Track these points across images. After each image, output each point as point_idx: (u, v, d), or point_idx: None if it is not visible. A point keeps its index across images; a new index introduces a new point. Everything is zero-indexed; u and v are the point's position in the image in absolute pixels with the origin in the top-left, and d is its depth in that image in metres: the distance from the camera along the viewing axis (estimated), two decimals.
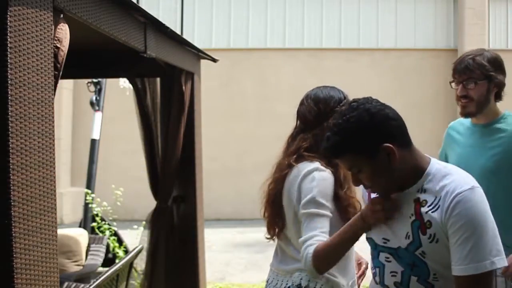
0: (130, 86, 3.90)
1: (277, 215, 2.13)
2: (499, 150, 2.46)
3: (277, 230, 2.16)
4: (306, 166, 2.03)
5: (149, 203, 3.91)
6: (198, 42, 9.15)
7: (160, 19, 2.91)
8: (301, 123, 2.14)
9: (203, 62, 4.09)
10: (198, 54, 3.89)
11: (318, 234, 1.90)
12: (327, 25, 11.47)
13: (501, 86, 2.49)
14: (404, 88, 11.32)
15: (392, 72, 11.30)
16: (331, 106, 2.08)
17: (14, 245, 1.52)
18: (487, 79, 2.43)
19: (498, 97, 2.54)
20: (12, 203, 1.52)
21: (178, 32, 6.78)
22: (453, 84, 2.52)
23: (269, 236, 2.21)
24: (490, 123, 2.55)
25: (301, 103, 2.16)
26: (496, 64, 2.46)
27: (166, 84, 3.75)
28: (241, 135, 10.81)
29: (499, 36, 11.82)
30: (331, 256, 1.86)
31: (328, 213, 1.97)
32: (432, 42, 11.60)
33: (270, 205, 2.17)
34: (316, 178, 1.99)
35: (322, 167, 2.02)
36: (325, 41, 11.40)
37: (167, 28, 3.05)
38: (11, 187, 1.52)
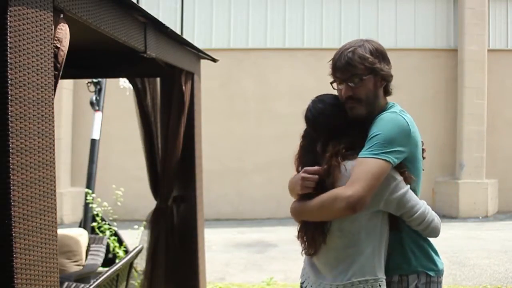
0: (130, 86, 3.90)
1: (319, 229, 2.12)
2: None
3: (318, 245, 2.13)
4: (352, 163, 2.05)
5: (149, 203, 3.91)
6: (198, 42, 9.16)
7: (160, 19, 2.91)
8: (322, 133, 2.16)
9: (203, 62, 4.09)
10: (198, 54, 3.89)
11: (424, 203, 2.12)
12: (326, 25, 11.47)
13: (388, 78, 2.18)
14: (404, 88, 11.31)
15: (392, 72, 11.29)
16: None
17: (14, 245, 1.52)
18: (372, 73, 2.11)
19: (387, 92, 2.21)
20: (12, 203, 1.52)
21: (178, 32, 6.77)
22: (334, 84, 2.22)
23: (312, 252, 2.17)
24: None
25: (318, 116, 2.17)
26: (380, 54, 2.14)
27: (166, 84, 3.74)
28: (241, 135, 10.81)
29: (499, 36, 11.82)
30: None
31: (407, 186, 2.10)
32: (432, 42, 11.60)
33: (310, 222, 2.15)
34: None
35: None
36: (325, 41, 11.40)
37: (167, 28, 3.05)
38: (11, 187, 1.52)
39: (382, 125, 2.01)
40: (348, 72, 2.11)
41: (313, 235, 2.14)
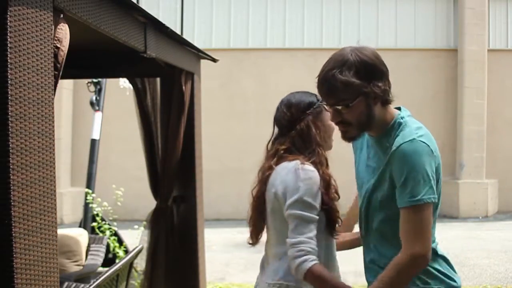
0: (130, 86, 3.90)
1: (262, 219, 2.17)
2: (378, 171, 1.98)
3: (260, 236, 2.20)
4: (287, 165, 2.06)
5: (149, 203, 3.91)
6: (198, 42, 9.15)
7: (160, 19, 2.91)
8: (278, 128, 2.20)
9: (203, 62, 4.09)
10: (198, 54, 3.89)
11: (306, 241, 1.95)
12: (326, 25, 11.46)
13: (384, 93, 1.92)
14: (404, 88, 11.30)
15: (392, 72, 11.16)
16: (301, 110, 2.13)
17: (14, 245, 1.52)
18: (362, 96, 1.86)
19: (386, 102, 1.96)
20: (12, 203, 1.52)
21: (178, 32, 6.78)
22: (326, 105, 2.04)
23: (251, 242, 2.23)
24: (380, 135, 2.00)
25: (276, 110, 2.21)
26: (369, 70, 1.87)
27: (166, 84, 3.74)
28: (241, 135, 10.80)
29: (499, 36, 11.82)
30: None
31: (314, 215, 1.98)
32: (432, 42, 11.60)
33: (254, 210, 2.18)
34: (301, 175, 2.00)
35: (305, 162, 2.04)
36: (325, 41, 11.40)
37: (167, 28, 3.05)
38: (11, 187, 1.52)
39: (409, 163, 1.83)
40: (331, 99, 1.90)
41: (255, 223, 2.19)
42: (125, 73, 4.09)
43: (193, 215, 3.86)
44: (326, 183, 2.07)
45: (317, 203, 2.00)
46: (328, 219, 2.06)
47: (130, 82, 3.87)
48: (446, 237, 8.56)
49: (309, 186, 1.98)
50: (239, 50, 11.30)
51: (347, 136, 1.97)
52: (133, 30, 2.60)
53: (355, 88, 1.84)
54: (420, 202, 1.81)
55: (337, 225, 2.10)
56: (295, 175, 2.00)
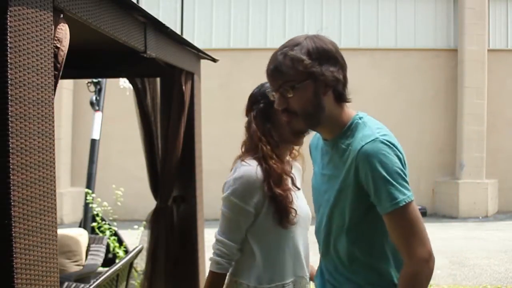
0: (130, 86, 3.90)
1: None
2: (339, 179, 1.76)
3: None
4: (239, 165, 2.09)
5: (149, 203, 3.91)
6: (198, 42, 9.15)
7: (160, 19, 2.91)
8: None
9: (203, 62, 4.09)
10: (198, 54, 3.89)
11: (224, 243, 2.05)
12: (326, 25, 11.46)
13: (334, 83, 1.72)
14: (404, 88, 11.32)
15: (392, 72, 11.30)
16: (250, 104, 2.22)
17: (14, 245, 1.52)
18: (310, 79, 1.68)
19: (341, 99, 1.77)
20: (12, 203, 1.52)
21: (178, 32, 6.77)
22: (273, 93, 1.81)
23: None
24: (335, 138, 1.80)
25: None
26: (322, 54, 1.72)
27: (166, 84, 3.74)
28: (241, 135, 10.77)
29: (499, 36, 11.82)
30: None
31: (237, 216, 2.03)
32: (432, 42, 11.61)
33: None
34: (235, 174, 2.05)
35: (245, 159, 2.07)
36: None
37: (167, 28, 3.05)
38: (11, 187, 1.52)
39: (376, 166, 1.65)
40: (278, 80, 1.71)
41: None
42: (125, 73, 4.09)
43: (193, 215, 3.86)
44: (276, 176, 2.02)
45: (246, 203, 2.00)
46: (276, 208, 2.01)
47: (130, 82, 3.86)
48: (446, 237, 8.56)
49: (237, 186, 2.00)
50: (239, 50, 11.30)
51: (292, 128, 1.79)
52: (133, 30, 2.60)
53: (303, 66, 1.67)
54: (401, 203, 1.64)
55: (291, 215, 2.02)
56: (233, 172, 2.08)
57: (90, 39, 2.50)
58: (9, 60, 1.52)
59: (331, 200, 1.79)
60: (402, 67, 11.40)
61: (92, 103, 6.61)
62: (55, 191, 1.73)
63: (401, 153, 1.71)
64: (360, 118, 1.79)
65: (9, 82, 1.52)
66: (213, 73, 9.09)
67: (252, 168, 2.01)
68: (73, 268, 4.38)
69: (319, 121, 1.74)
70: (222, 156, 11.29)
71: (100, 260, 4.75)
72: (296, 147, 2.23)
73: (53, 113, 1.72)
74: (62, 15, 1.84)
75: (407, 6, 11.57)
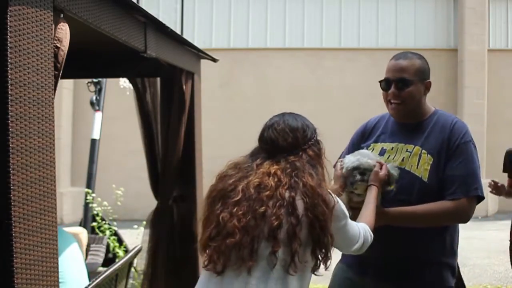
0: (130, 86, 3.90)
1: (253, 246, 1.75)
2: None
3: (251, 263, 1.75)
4: None
5: (150, 203, 3.91)
6: (198, 42, 9.15)
7: (160, 19, 2.91)
8: (267, 150, 1.96)
9: (203, 62, 4.09)
10: (198, 54, 3.89)
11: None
12: (327, 25, 11.46)
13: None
14: None
15: None
16: (308, 137, 1.93)
17: (14, 245, 1.52)
18: None
19: None
20: (12, 203, 1.52)
21: (178, 32, 6.77)
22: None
23: (220, 270, 1.78)
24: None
25: (269, 128, 2.01)
26: None
27: (166, 84, 3.74)
28: (241, 135, 10.78)
29: (499, 36, 11.82)
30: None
31: None
32: (432, 42, 11.60)
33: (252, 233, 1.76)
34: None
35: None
36: (325, 41, 11.39)
37: (167, 28, 3.05)
38: (11, 187, 1.52)
39: None
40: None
41: None
42: (125, 73, 4.09)
43: (193, 214, 3.85)
44: None
45: None
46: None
47: (130, 82, 3.87)
48: None
49: None
50: (239, 50, 11.29)
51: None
52: (133, 30, 2.60)
53: None
54: None
55: None
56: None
57: (90, 39, 2.50)
58: (9, 60, 1.52)
59: None
60: None
61: (92, 103, 6.61)
62: (55, 191, 1.73)
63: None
64: None
65: (9, 82, 1.52)
66: (213, 73, 9.08)
67: None
68: None
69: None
70: (222, 156, 11.31)
71: (100, 260, 4.75)
72: None
73: (53, 113, 1.72)
74: (62, 15, 1.84)
75: (407, 6, 11.57)
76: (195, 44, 3.81)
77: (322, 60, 11.17)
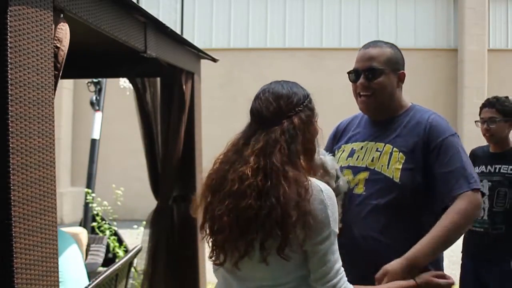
0: (130, 86, 3.90)
1: (251, 234, 1.61)
2: None
3: (239, 254, 1.64)
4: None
5: (149, 203, 3.91)
6: (198, 42, 9.16)
7: (160, 19, 2.91)
8: (255, 121, 1.78)
9: (203, 62, 4.09)
10: (198, 54, 3.89)
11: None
12: (327, 25, 11.46)
13: None
14: (404, 88, 11.30)
15: None
16: (293, 104, 1.73)
17: (14, 245, 1.52)
18: None
19: None
20: (12, 203, 1.52)
21: (178, 32, 6.77)
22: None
23: (220, 261, 1.72)
24: None
25: (256, 98, 1.81)
26: None
27: (166, 84, 3.74)
28: None
29: (499, 36, 11.82)
30: None
31: None
32: (432, 42, 11.61)
33: (239, 220, 1.61)
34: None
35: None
36: (325, 41, 11.39)
37: (167, 28, 3.05)
38: (11, 187, 1.52)
39: None
40: None
41: None
42: (125, 73, 4.09)
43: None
44: None
45: None
46: None
47: (130, 82, 3.87)
48: None
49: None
50: (239, 50, 11.29)
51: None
52: (133, 30, 2.60)
53: None
54: None
55: None
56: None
57: (90, 39, 2.50)
58: (9, 60, 1.52)
59: None
60: None
61: (92, 103, 6.61)
62: (55, 191, 1.73)
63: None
64: None
65: (9, 82, 1.52)
66: (213, 73, 9.08)
67: None
68: None
69: None
70: None
71: (100, 260, 4.75)
72: None
73: (53, 113, 1.72)
74: (62, 15, 1.84)
75: (407, 6, 11.57)
76: (195, 44, 3.81)
77: (322, 60, 11.17)
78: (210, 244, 1.76)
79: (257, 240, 1.59)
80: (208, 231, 1.74)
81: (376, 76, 2.12)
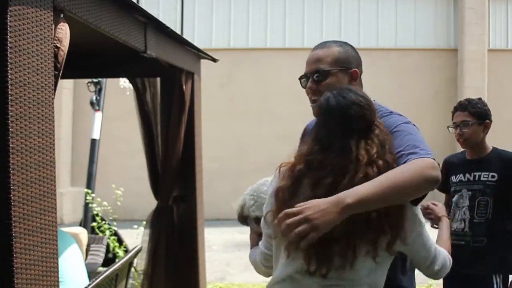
0: (130, 86, 3.90)
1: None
2: None
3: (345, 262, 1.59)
4: None
5: (149, 203, 3.91)
6: (198, 42, 9.15)
7: (160, 19, 2.91)
8: (348, 129, 1.67)
9: (203, 62, 4.09)
10: (198, 54, 3.89)
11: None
12: (327, 25, 11.46)
13: None
14: (404, 88, 11.32)
15: (392, 72, 11.31)
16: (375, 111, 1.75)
17: (14, 245, 1.52)
18: None
19: None
20: (12, 203, 1.52)
21: (178, 32, 6.77)
22: None
23: (324, 272, 1.61)
24: None
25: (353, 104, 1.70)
26: None
27: (166, 84, 3.75)
28: (241, 135, 10.80)
29: (499, 36, 11.82)
30: None
31: None
32: (432, 42, 11.61)
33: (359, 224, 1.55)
34: None
35: None
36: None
37: (167, 28, 3.05)
38: (11, 187, 1.52)
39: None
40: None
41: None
42: (125, 73, 4.09)
43: (193, 215, 3.86)
44: None
45: None
46: None
47: (130, 82, 3.87)
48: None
49: None
50: (239, 50, 11.30)
51: None
52: (133, 30, 2.60)
53: None
54: None
55: None
56: None
57: (90, 39, 2.50)
58: (9, 60, 1.52)
59: None
60: (402, 67, 11.40)
61: (92, 103, 6.61)
62: (55, 191, 1.73)
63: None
64: None
65: (9, 82, 1.52)
66: (213, 73, 9.08)
67: None
68: None
69: None
70: (222, 156, 11.33)
71: (100, 260, 4.74)
72: None
73: (53, 113, 1.72)
74: (62, 15, 1.84)
75: (407, 6, 11.57)
76: (195, 44, 3.81)
77: None
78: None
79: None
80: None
81: (323, 78, 1.97)
